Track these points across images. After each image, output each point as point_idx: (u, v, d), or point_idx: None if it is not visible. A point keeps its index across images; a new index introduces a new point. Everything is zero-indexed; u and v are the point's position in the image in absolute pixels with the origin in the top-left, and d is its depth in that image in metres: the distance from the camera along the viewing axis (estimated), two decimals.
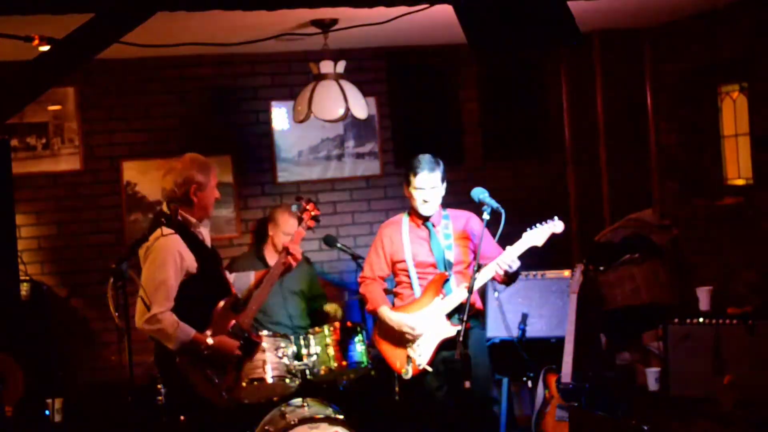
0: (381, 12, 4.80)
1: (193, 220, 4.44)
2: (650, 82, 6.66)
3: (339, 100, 5.54)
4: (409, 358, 4.83)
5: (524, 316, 5.87)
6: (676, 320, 5.55)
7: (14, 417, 5.18)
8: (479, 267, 4.64)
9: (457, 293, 4.80)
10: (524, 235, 4.72)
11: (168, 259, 4.27)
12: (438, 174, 4.85)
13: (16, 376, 5.24)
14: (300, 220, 4.88)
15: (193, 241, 4.41)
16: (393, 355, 4.98)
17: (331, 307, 6.05)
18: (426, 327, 4.82)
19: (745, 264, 5.93)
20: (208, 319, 4.39)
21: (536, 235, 4.70)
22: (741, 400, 5.13)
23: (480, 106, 6.93)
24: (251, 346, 4.58)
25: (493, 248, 4.86)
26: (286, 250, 4.71)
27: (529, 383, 5.85)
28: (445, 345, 4.80)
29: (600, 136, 6.79)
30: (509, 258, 4.67)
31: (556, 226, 4.71)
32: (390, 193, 6.82)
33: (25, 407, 5.34)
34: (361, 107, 5.65)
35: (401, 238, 4.99)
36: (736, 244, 6.00)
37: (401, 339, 4.91)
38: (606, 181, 6.78)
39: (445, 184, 4.91)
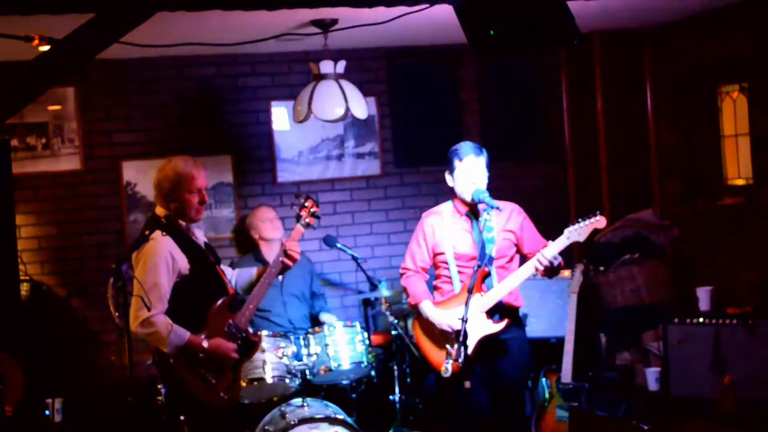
0: (381, 12, 4.80)
1: (183, 223, 4.44)
2: (650, 82, 6.66)
3: (339, 100, 5.54)
4: (448, 355, 4.63)
5: (524, 316, 5.86)
6: (676, 320, 5.55)
7: (14, 417, 5.17)
8: (479, 267, 4.60)
9: (498, 290, 4.68)
10: (565, 231, 4.61)
11: (159, 261, 4.25)
12: (483, 158, 4.76)
13: (16, 376, 5.24)
14: (298, 217, 4.72)
15: (186, 243, 4.39)
16: (432, 351, 4.84)
17: (327, 318, 6.02)
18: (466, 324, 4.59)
19: (745, 264, 5.93)
20: (204, 320, 4.38)
21: (578, 232, 4.61)
22: (741, 400, 5.13)
23: (480, 106, 6.93)
24: (250, 345, 4.55)
25: (537, 242, 4.79)
26: (283, 250, 4.58)
27: (529, 383, 5.85)
28: (486, 343, 4.67)
29: (600, 136, 6.79)
30: (550, 255, 4.58)
31: (599, 221, 4.61)
32: (390, 193, 6.82)
33: (25, 407, 5.34)
34: (361, 107, 5.65)
35: (443, 229, 4.84)
36: (736, 244, 6.00)
37: (441, 336, 4.77)
38: (606, 181, 6.78)
39: (488, 173, 4.81)
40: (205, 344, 4.31)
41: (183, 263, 4.33)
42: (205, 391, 4.34)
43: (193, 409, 4.35)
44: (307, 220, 4.72)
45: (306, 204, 4.74)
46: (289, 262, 4.58)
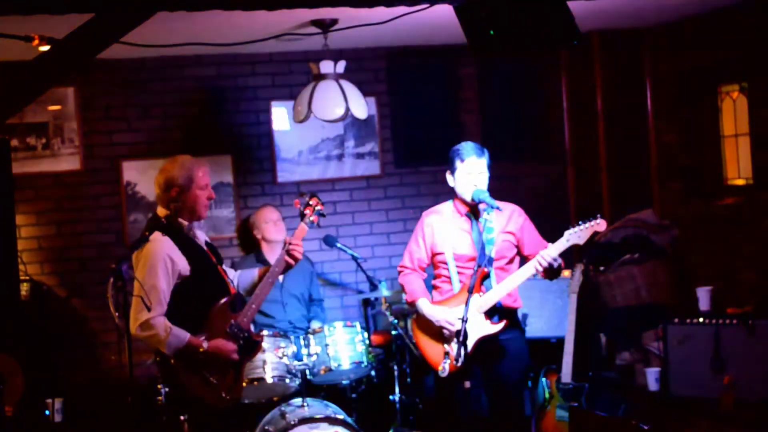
0: (381, 12, 4.81)
1: (185, 222, 4.43)
2: (650, 82, 6.66)
3: (339, 100, 5.54)
4: (446, 354, 4.66)
5: (524, 316, 5.86)
6: (676, 320, 5.55)
7: (14, 417, 5.17)
8: (478, 267, 4.60)
9: (496, 291, 4.68)
10: (565, 233, 4.61)
11: (157, 263, 4.25)
12: (485, 159, 4.75)
13: (16, 376, 5.23)
14: (302, 215, 4.70)
15: (186, 243, 4.39)
16: (430, 350, 4.82)
17: (317, 325, 6.01)
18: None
19: (745, 264, 5.93)
20: (205, 320, 4.37)
21: (578, 235, 4.61)
22: (741, 400, 5.13)
23: (480, 106, 6.93)
24: (252, 345, 4.54)
25: (537, 244, 4.78)
26: (286, 248, 4.58)
27: (529, 383, 5.85)
28: (484, 344, 4.66)
29: (600, 136, 6.79)
30: (549, 257, 4.58)
31: (599, 224, 4.61)
32: (390, 193, 6.82)
33: (25, 407, 5.34)
34: (361, 107, 5.65)
35: (442, 229, 4.84)
36: (736, 244, 6.00)
37: (439, 334, 4.76)
38: (606, 181, 6.78)
39: (489, 173, 4.80)
40: (204, 345, 4.30)
41: (183, 265, 4.32)
42: (207, 392, 4.34)
43: (195, 410, 4.34)
44: (312, 218, 4.70)
45: (311, 202, 4.73)
46: (292, 261, 4.57)
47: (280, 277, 5.00)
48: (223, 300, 4.42)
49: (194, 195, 4.39)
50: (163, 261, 4.26)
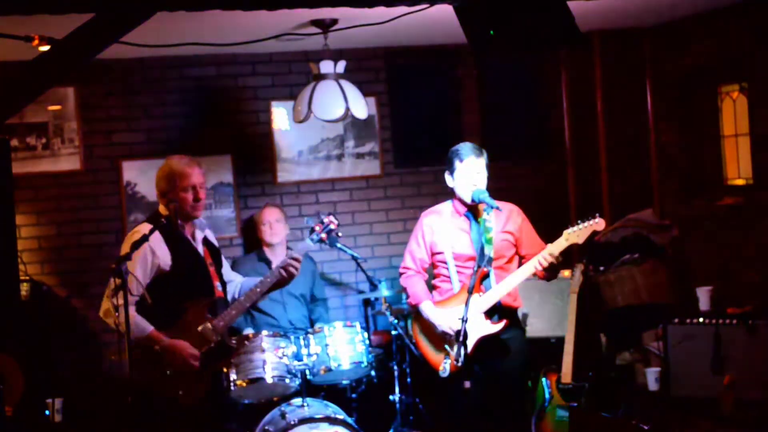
0: (381, 12, 4.80)
1: (180, 221, 4.50)
2: (650, 82, 6.66)
3: (339, 100, 5.54)
4: (447, 355, 4.67)
5: (524, 316, 5.86)
6: (676, 320, 5.55)
7: (14, 417, 5.17)
8: (478, 267, 4.60)
9: (496, 290, 4.68)
10: (564, 233, 4.61)
11: (137, 255, 4.33)
12: (483, 159, 4.75)
13: (16, 376, 5.23)
14: (312, 230, 4.76)
15: (176, 240, 4.45)
16: (431, 351, 4.83)
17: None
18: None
19: (745, 264, 5.93)
20: (178, 317, 4.44)
21: (577, 234, 4.61)
22: (741, 400, 5.13)
23: (480, 107, 6.92)
24: (225, 350, 4.57)
25: (535, 244, 4.79)
26: (284, 264, 4.63)
27: (529, 383, 5.85)
28: (485, 343, 4.66)
29: (600, 136, 6.79)
30: (550, 256, 4.59)
31: (598, 224, 4.61)
32: (390, 193, 6.82)
33: (25, 407, 5.34)
34: (361, 107, 5.65)
35: (441, 229, 4.84)
36: (736, 244, 6.00)
37: (440, 335, 4.77)
38: (606, 181, 6.78)
39: (487, 173, 4.80)
40: (165, 341, 4.36)
41: (164, 259, 4.42)
42: (164, 387, 4.39)
43: (149, 401, 4.37)
44: (321, 235, 4.74)
45: (324, 220, 4.78)
46: (285, 275, 4.63)
47: None
48: (202, 301, 4.48)
49: (178, 196, 4.50)
50: (143, 252, 4.36)
